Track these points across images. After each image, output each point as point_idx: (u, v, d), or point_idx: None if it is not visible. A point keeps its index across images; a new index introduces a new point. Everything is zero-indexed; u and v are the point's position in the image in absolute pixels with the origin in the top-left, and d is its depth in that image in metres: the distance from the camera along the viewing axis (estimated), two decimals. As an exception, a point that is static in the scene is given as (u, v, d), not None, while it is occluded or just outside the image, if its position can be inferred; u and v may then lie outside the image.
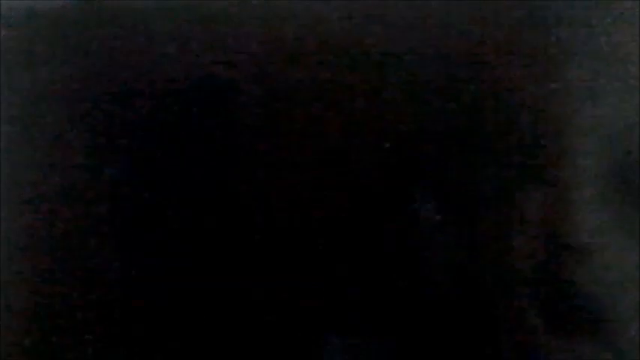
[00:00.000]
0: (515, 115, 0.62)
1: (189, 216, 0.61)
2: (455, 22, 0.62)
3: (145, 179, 0.62)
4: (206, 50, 0.62)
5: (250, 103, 0.62)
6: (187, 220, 0.61)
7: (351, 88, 0.62)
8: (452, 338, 0.60)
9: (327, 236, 0.61)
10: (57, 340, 0.62)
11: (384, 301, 0.61)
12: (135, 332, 0.61)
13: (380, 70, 0.62)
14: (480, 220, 0.61)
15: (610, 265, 0.61)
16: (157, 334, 0.61)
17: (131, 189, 0.62)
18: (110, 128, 0.62)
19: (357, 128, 0.61)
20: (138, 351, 0.61)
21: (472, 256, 0.61)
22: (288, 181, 0.61)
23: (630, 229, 0.61)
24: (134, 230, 0.62)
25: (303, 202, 0.61)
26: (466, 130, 0.62)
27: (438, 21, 0.62)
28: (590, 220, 0.61)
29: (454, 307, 0.61)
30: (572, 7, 0.63)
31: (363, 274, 0.61)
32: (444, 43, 0.62)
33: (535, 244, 0.61)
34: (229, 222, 0.61)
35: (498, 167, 0.61)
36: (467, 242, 0.61)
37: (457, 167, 0.61)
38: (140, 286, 0.61)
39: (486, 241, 0.61)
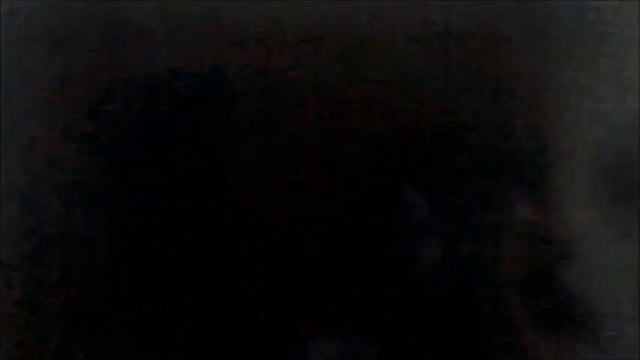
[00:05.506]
0: (508, 113, 0.62)
1: (183, 214, 0.61)
2: (452, 21, 0.62)
3: (140, 178, 0.62)
4: (203, 48, 0.62)
5: (247, 100, 0.62)
6: (181, 218, 0.61)
7: (343, 85, 0.62)
8: (440, 338, 0.60)
9: (316, 233, 0.61)
10: (55, 341, 0.62)
11: (372, 300, 0.60)
12: (130, 332, 0.61)
13: (375, 68, 0.62)
14: (469, 218, 0.61)
15: (600, 264, 0.61)
16: (150, 334, 0.61)
17: (126, 186, 0.62)
18: (107, 126, 0.62)
19: (350, 125, 0.61)
20: (132, 351, 0.61)
21: (461, 255, 0.61)
22: (277, 179, 0.61)
23: (620, 229, 0.61)
24: (129, 228, 0.62)
25: (293, 199, 0.61)
26: (457, 128, 0.62)
27: (434, 20, 0.62)
28: (579, 220, 0.61)
29: (442, 307, 0.61)
30: (571, 7, 0.63)
31: (352, 272, 0.61)
32: (440, 42, 0.62)
33: (525, 243, 0.61)
34: (222, 220, 0.61)
35: (489, 166, 0.61)
36: (456, 240, 0.61)
37: (448, 164, 0.61)
38: (132, 284, 0.61)
39: (476, 239, 0.61)
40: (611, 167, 0.62)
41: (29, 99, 0.63)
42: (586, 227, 0.61)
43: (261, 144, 0.62)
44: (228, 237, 0.61)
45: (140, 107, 0.62)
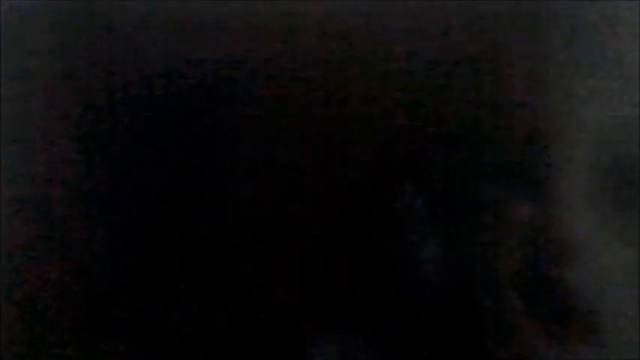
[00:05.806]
0: (508, 114, 0.62)
1: (184, 214, 0.61)
2: (454, 22, 0.62)
3: (140, 177, 0.62)
4: (203, 48, 0.62)
5: (248, 100, 0.62)
6: (182, 218, 0.61)
7: (345, 85, 0.62)
8: (441, 338, 0.60)
9: (316, 233, 0.61)
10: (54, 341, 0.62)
11: (372, 299, 0.61)
12: (130, 332, 0.61)
13: (376, 69, 0.62)
14: (470, 217, 0.61)
15: (600, 265, 0.61)
16: (151, 333, 0.61)
17: (125, 188, 0.62)
18: (107, 127, 0.62)
19: (351, 125, 0.61)
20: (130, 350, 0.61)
21: (461, 254, 0.61)
22: (277, 179, 0.61)
23: (620, 229, 0.61)
24: (129, 228, 0.62)
25: (295, 199, 0.61)
26: (458, 128, 0.62)
27: (436, 21, 0.62)
28: (580, 220, 0.61)
29: (443, 306, 0.61)
30: (571, 7, 0.63)
31: (352, 271, 0.61)
32: (442, 43, 0.62)
33: (525, 243, 0.61)
34: (223, 220, 0.61)
35: (489, 166, 0.61)
36: (456, 240, 0.61)
37: (448, 164, 0.61)
38: (132, 283, 0.61)
39: (476, 239, 0.61)
40: (612, 169, 0.62)
41: (29, 99, 0.63)
42: (586, 228, 0.61)
43: (261, 144, 0.62)
44: (229, 237, 0.61)
45: (140, 107, 0.62)
